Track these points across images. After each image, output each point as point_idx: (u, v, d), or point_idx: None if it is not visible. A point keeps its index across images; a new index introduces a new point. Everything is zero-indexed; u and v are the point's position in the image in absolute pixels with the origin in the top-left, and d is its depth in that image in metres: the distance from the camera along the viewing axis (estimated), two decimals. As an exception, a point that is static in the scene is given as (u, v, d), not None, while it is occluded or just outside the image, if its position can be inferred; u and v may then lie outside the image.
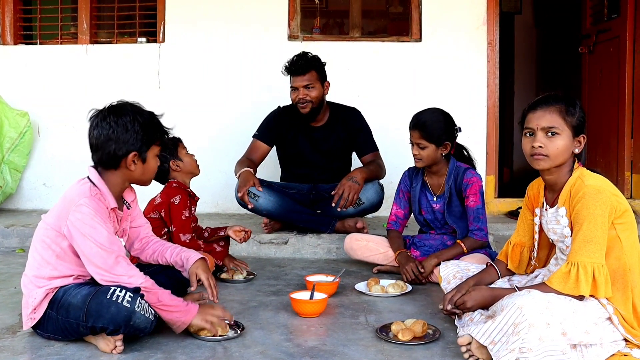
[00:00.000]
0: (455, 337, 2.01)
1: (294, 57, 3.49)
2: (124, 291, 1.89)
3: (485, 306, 2.04)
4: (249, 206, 3.33)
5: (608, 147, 4.56)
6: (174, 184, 2.91)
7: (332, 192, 3.30)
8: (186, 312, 1.99)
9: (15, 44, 4.59)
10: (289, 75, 3.51)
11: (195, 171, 2.98)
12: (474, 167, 3.00)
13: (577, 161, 2.02)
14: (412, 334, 2.04)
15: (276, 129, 3.59)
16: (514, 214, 4.23)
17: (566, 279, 1.85)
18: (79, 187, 2.04)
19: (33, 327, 2.04)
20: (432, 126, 2.82)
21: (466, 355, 1.86)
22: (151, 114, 2.10)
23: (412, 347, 2.00)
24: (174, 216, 2.82)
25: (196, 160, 2.99)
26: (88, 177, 2.09)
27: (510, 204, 4.42)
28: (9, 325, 2.21)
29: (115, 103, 2.08)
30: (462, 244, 2.82)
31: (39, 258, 2.03)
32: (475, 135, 4.39)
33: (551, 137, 1.94)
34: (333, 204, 3.26)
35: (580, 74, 4.98)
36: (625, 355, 1.86)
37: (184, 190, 2.90)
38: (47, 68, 4.54)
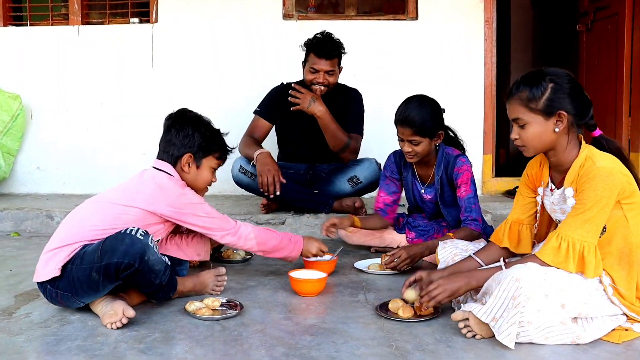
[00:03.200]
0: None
1: (319, 36, 3.39)
2: (136, 228, 1.99)
3: (459, 294, 1.97)
4: (271, 196, 3.24)
5: (605, 126, 4.54)
6: None
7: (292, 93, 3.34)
8: (293, 249, 2.41)
9: (5, 25, 4.51)
10: (306, 52, 3.43)
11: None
12: (462, 149, 2.90)
13: (583, 139, 1.96)
14: (412, 311, 2.02)
15: (278, 105, 3.53)
16: (511, 193, 4.22)
17: (556, 253, 1.83)
18: (170, 178, 2.22)
19: (45, 283, 2.03)
20: (424, 119, 2.62)
21: (464, 331, 1.85)
22: (214, 128, 2.35)
23: (413, 324, 1.99)
24: None
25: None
26: (164, 171, 2.23)
27: (507, 183, 4.41)
28: (5, 307, 2.18)
29: (181, 111, 2.33)
30: (454, 236, 2.58)
31: (98, 228, 2.05)
32: (472, 115, 4.38)
33: (522, 128, 1.92)
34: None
35: (577, 53, 4.94)
36: (626, 329, 1.86)
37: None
38: (38, 50, 4.47)
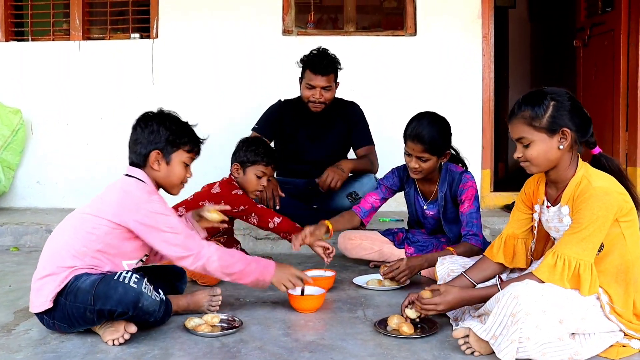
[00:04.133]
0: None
1: (315, 52, 3.42)
2: (129, 273, 1.94)
3: (455, 308, 2.03)
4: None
5: (603, 140, 4.56)
6: (234, 182, 2.93)
7: (316, 179, 3.30)
8: (264, 272, 2.19)
9: (6, 40, 4.55)
10: (303, 68, 3.45)
11: (248, 194, 2.92)
12: (465, 167, 2.91)
13: (580, 157, 1.97)
14: (411, 327, 2.03)
15: (276, 123, 3.57)
16: (509, 208, 4.22)
17: (552, 271, 1.84)
18: (138, 183, 2.11)
19: (40, 313, 2.01)
20: (436, 137, 2.62)
21: (464, 348, 1.86)
22: (182, 121, 2.22)
23: (411, 340, 1.99)
24: (243, 201, 2.82)
25: (261, 189, 2.96)
26: (136, 177, 2.13)
27: (505, 197, 4.42)
28: (4, 324, 2.18)
29: (150, 112, 2.21)
30: (454, 251, 2.58)
31: (75, 249, 2.00)
32: (471, 129, 4.40)
33: (526, 147, 1.92)
34: (318, 182, 3.28)
35: (574, 68, 4.98)
36: (623, 346, 1.86)
37: (243, 190, 2.91)
38: (39, 65, 4.50)
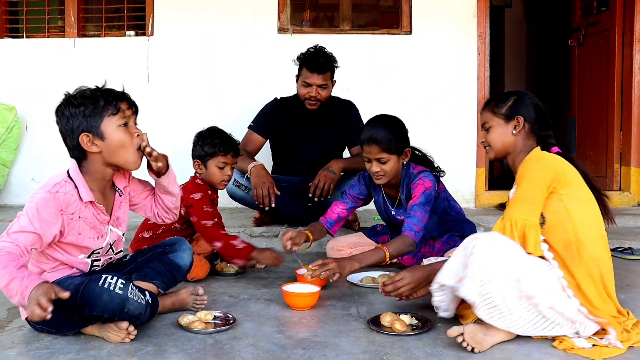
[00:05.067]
0: (446, 328, 2.00)
1: (311, 50, 3.41)
2: (115, 278, 1.89)
3: (423, 284, 2.15)
4: (266, 208, 3.26)
5: (597, 140, 4.59)
6: (197, 180, 2.89)
7: (310, 183, 3.29)
8: (24, 292, 1.70)
9: (1, 37, 4.54)
10: (299, 66, 3.45)
11: (216, 186, 2.89)
12: (432, 166, 2.83)
13: (537, 144, 2.11)
14: (404, 325, 2.04)
15: (273, 121, 3.57)
16: (504, 207, 4.24)
17: (502, 233, 1.93)
18: (52, 178, 1.97)
19: (27, 320, 2.01)
20: (389, 135, 2.60)
21: (460, 340, 1.86)
22: (86, 91, 1.95)
23: (404, 337, 1.99)
24: (195, 210, 2.76)
25: (227, 178, 2.88)
26: (67, 170, 2.00)
27: (500, 196, 4.43)
28: (-3, 320, 2.19)
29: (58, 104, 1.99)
30: (384, 248, 2.49)
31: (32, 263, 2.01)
32: (466, 128, 4.41)
33: (487, 132, 2.20)
34: (310, 195, 3.26)
35: (570, 67, 5.00)
36: (607, 346, 1.85)
37: (205, 188, 2.86)
38: (34, 62, 4.49)
